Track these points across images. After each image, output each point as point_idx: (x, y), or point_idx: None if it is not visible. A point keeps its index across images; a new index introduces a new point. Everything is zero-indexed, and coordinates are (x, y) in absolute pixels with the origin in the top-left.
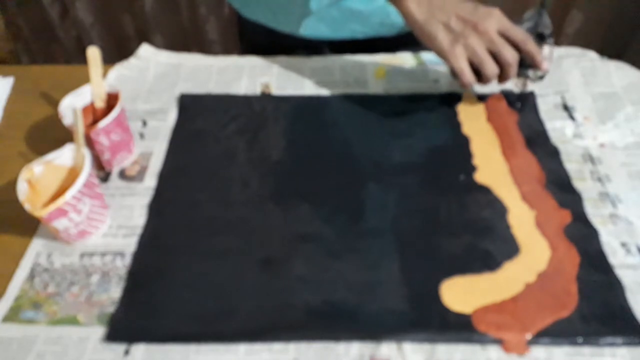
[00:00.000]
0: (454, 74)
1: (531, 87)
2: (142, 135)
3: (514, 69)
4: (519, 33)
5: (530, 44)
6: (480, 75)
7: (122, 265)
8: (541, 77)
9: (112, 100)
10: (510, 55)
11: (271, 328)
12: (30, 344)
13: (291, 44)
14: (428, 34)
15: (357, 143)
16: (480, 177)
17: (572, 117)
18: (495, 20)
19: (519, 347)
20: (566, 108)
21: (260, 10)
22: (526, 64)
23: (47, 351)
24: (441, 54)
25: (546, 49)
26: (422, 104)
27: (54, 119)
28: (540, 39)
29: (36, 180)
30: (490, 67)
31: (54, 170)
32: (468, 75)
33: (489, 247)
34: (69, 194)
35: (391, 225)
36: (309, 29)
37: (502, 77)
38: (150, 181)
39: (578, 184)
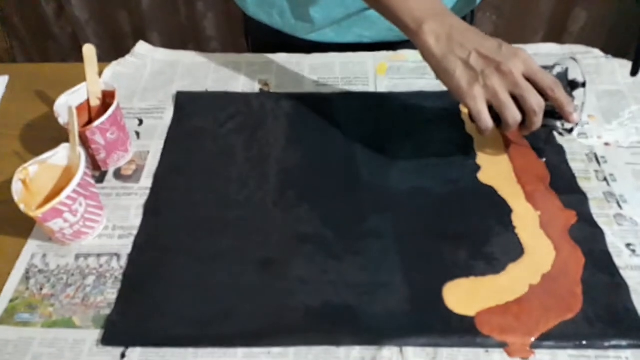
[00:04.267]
0: (471, 116)
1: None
2: (138, 134)
3: (538, 117)
4: (548, 78)
5: (559, 92)
6: (499, 122)
7: (118, 266)
8: (570, 131)
9: (108, 98)
10: (536, 102)
11: (270, 331)
12: (26, 347)
13: (297, 43)
14: (445, 71)
15: (358, 142)
16: (483, 177)
17: None
18: (521, 61)
19: (523, 351)
20: None
21: (264, 12)
22: (553, 114)
23: (42, 354)
24: (458, 93)
25: (578, 100)
26: (424, 102)
27: (49, 118)
28: (572, 87)
29: (31, 180)
30: (512, 113)
31: (49, 170)
32: (485, 119)
33: (492, 248)
34: (64, 194)
35: (393, 226)
36: (316, 34)
37: (525, 126)
38: (146, 181)
39: (583, 184)
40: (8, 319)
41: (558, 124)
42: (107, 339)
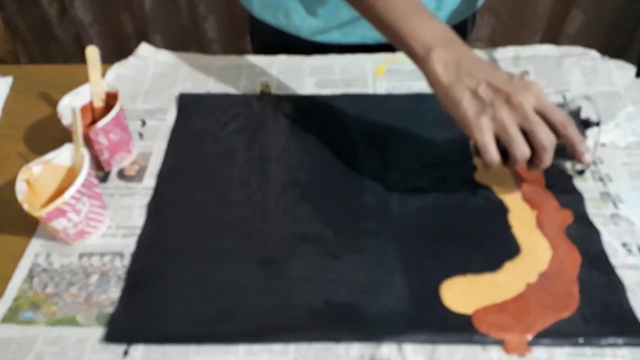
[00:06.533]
0: (477, 149)
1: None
2: (141, 135)
3: (548, 154)
4: (560, 114)
5: (571, 129)
6: (507, 157)
7: (121, 265)
8: (581, 172)
9: (111, 99)
10: (546, 138)
11: (271, 329)
12: (29, 345)
13: (301, 44)
14: (452, 100)
15: (357, 143)
16: (480, 177)
17: None
18: (532, 94)
19: (520, 347)
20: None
21: (270, 13)
22: (564, 154)
23: (46, 352)
24: (464, 123)
25: (591, 140)
26: (422, 103)
27: (53, 119)
28: (585, 126)
29: (35, 180)
30: (521, 148)
31: (53, 170)
32: (492, 152)
33: (489, 247)
34: (67, 194)
35: (392, 226)
36: (321, 35)
37: (534, 163)
38: (149, 181)
39: (579, 184)
40: (12, 317)
41: (568, 164)
42: (110, 337)
